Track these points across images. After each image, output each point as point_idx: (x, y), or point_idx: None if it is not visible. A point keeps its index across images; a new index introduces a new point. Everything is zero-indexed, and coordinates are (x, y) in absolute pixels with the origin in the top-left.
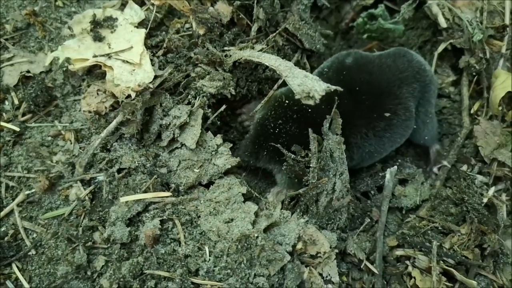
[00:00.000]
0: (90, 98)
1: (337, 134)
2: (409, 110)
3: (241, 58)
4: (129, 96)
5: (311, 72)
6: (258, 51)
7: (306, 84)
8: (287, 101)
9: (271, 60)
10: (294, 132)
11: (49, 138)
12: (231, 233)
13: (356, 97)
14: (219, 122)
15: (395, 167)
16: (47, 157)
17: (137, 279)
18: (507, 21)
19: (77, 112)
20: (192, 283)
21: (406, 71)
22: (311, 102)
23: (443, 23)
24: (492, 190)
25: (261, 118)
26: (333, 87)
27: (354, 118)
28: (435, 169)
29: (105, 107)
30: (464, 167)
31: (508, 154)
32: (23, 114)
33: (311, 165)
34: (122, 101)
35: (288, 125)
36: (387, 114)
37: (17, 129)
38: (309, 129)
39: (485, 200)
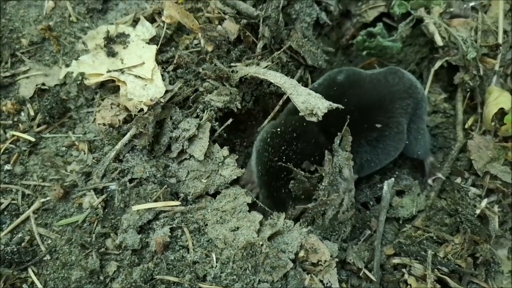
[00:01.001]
0: (104, 111)
1: (346, 151)
2: (400, 124)
3: (247, 74)
4: (141, 110)
5: None
6: (264, 67)
7: (310, 102)
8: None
9: (276, 78)
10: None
11: (63, 149)
12: (237, 241)
13: (347, 110)
14: (225, 135)
15: (392, 179)
16: (62, 166)
17: (148, 284)
18: (500, 40)
19: (90, 124)
20: None
21: (397, 85)
22: (314, 119)
23: (439, 41)
24: (484, 202)
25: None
26: (335, 105)
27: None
28: (429, 181)
29: (119, 120)
30: (458, 180)
31: (500, 167)
32: (38, 125)
33: (323, 183)
34: (135, 115)
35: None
36: (378, 125)
37: (33, 139)
38: (326, 152)
39: (478, 211)
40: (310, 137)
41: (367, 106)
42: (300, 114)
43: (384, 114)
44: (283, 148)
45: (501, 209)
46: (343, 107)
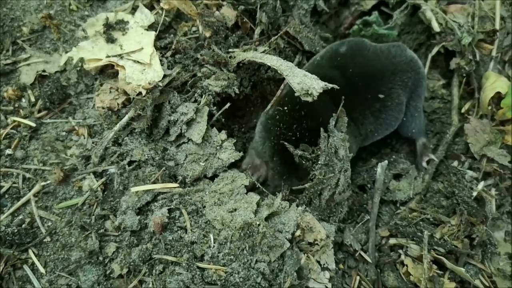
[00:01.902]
0: (103, 95)
1: (342, 132)
2: (401, 96)
3: (245, 59)
4: (140, 93)
5: None
6: (261, 52)
7: (305, 83)
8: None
9: (273, 61)
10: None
11: (64, 133)
12: (234, 221)
13: (350, 80)
14: (223, 120)
15: (386, 161)
16: (62, 150)
17: (146, 263)
18: (497, 26)
19: (90, 109)
20: (198, 267)
21: (399, 57)
22: (309, 99)
23: (436, 27)
24: (481, 185)
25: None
26: (330, 85)
27: (352, 98)
28: (423, 163)
29: (117, 104)
30: (455, 163)
31: (497, 150)
32: (39, 111)
33: (319, 162)
34: (134, 98)
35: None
36: (381, 96)
37: (33, 124)
38: (321, 129)
39: (474, 193)
40: (318, 111)
41: (370, 76)
42: (296, 94)
43: (386, 85)
44: (294, 125)
45: (499, 192)
46: (338, 87)
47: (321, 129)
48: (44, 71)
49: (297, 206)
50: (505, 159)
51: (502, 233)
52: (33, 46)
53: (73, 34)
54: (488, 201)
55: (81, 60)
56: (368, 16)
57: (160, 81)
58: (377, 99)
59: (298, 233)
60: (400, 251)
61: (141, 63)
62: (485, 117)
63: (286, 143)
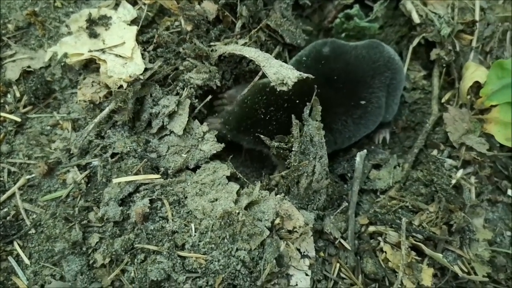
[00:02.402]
0: (85, 88)
1: (316, 120)
2: (380, 99)
3: (226, 52)
4: (121, 86)
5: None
6: (241, 45)
7: (281, 73)
8: (268, 89)
9: (251, 52)
10: (275, 116)
11: (48, 128)
12: (215, 211)
13: (335, 86)
14: (206, 112)
15: (365, 151)
16: (46, 144)
17: (128, 253)
18: (476, 17)
19: (74, 104)
20: (179, 255)
21: (378, 61)
22: (284, 88)
23: (416, 19)
24: (460, 172)
25: (246, 100)
26: (305, 75)
27: (335, 106)
28: (376, 140)
29: (99, 97)
30: (435, 152)
31: (475, 139)
32: (24, 106)
33: (293, 149)
34: (115, 91)
35: (270, 110)
36: (363, 102)
37: (19, 119)
38: (292, 116)
39: (453, 181)
40: (290, 106)
41: (353, 83)
42: (271, 84)
43: (367, 90)
44: (269, 107)
45: (478, 180)
46: (313, 77)
47: (292, 116)
48: (29, 67)
49: (276, 194)
50: (483, 147)
51: (482, 220)
52: (18, 42)
53: (57, 31)
54: (466, 188)
55: (65, 55)
56: (349, 10)
57: (141, 74)
58: (358, 105)
59: (277, 221)
60: (379, 238)
61: (122, 57)
62: (465, 106)
63: (262, 136)
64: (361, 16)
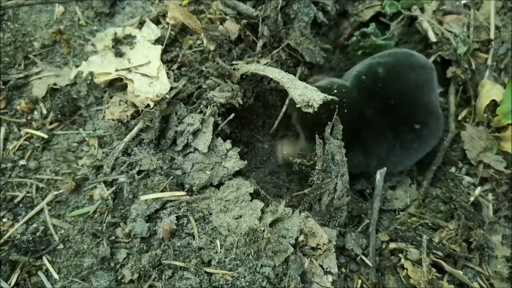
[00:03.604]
0: (113, 107)
1: (337, 139)
2: (438, 120)
3: (248, 71)
4: (148, 105)
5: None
6: (263, 65)
7: (306, 95)
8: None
9: (275, 73)
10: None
11: (75, 144)
12: (240, 228)
13: (390, 109)
14: (229, 129)
15: (385, 168)
16: (73, 161)
17: (156, 269)
18: (491, 36)
19: (99, 121)
20: (205, 272)
21: (427, 76)
22: (310, 110)
23: (432, 37)
24: (478, 190)
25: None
26: (329, 97)
27: (384, 129)
28: None
29: (127, 116)
30: (453, 169)
31: (493, 156)
32: (51, 123)
33: (316, 168)
34: (142, 110)
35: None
36: (417, 126)
37: (46, 136)
38: (316, 136)
39: (472, 199)
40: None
41: (409, 104)
42: (297, 106)
43: (424, 111)
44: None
45: (495, 197)
46: (337, 99)
47: (316, 136)
48: (55, 84)
49: (299, 212)
50: (501, 164)
51: (499, 237)
52: (44, 60)
53: (82, 48)
54: (485, 206)
55: (91, 74)
56: (366, 28)
57: (167, 93)
58: (412, 129)
59: (301, 238)
60: (400, 255)
61: (148, 76)
62: (481, 124)
63: (285, 153)
64: (377, 34)
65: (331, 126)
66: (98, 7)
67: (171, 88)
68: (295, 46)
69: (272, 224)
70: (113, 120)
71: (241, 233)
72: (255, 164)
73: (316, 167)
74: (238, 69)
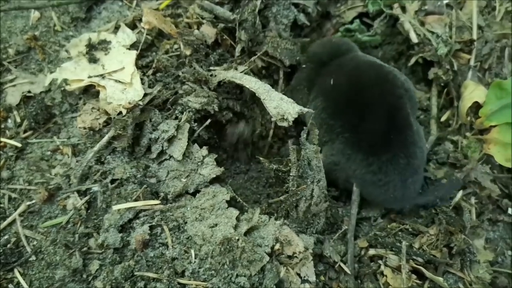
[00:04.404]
0: (85, 115)
1: (314, 144)
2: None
3: (225, 78)
4: (120, 113)
5: None
6: (241, 72)
7: (281, 107)
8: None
9: (251, 83)
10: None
11: (49, 153)
12: (215, 236)
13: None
14: (207, 136)
15: None
16: (47, 170)
17: (128, 280)
18: (474, 36)
19: (74, 128)
20: (179, 283)
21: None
22: (285, 124)
23: (414, 38)
24: (460, 194)
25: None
26: (305, 110)
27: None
28: None
29: (99, 124)
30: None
31: (482, 169)
32: (25, 131)
33: (291, 174)
34: (114, 118)
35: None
36: None
37: (19, 145)
38: (289, 141)
39: (453, 203)
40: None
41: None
42: (272, 119)
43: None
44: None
45: (478, 200)
46: (312, 111)
47: (289, 141)
48: (29, 91)
49: (276, 219)
50: (487, 177)
51: (482, 241)
52: (18, 67)
53: (57, 55)
54: (466, 209)
55: (65, 81)
56: (350, 25)
57: (140, 100)
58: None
59: (277, 246)
60: (380, 261)
61: (122, 83)
62: (464, 126)
63: (262, 158)
64: (362, 30)
65: (306, 131)
66: (74, 12)
67: (145, 94)
68: (273, 52)
69: (247, 233)
70: (85, 128)
71: (216, 242)
72: (235, 170)
73: (291, 173)
74: (215, 76)
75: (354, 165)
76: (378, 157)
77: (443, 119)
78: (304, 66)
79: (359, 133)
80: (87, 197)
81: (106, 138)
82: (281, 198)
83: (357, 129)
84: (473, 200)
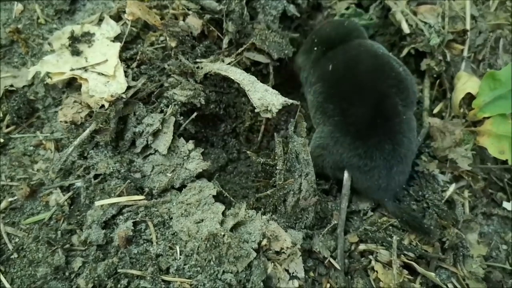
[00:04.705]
0: (66, 109)
1: (302, 137)
2: None
3: (211, 71)
4: (103, 106)
5: None
6: (227, 64)
7: (266, 98)
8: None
9: (236, 74)
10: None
11: (31, 148)
12: (200, 232)
13: None
14: (194, 130)
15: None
16: (29, 166)
17: (112, 278)
18: (467, 26)
19: (57, 123)
20: (163, 280)
21: None
22: (269, 115)
23: (406, 29)
24: (453, 187)
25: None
26: (290, 101)
27: None
28: None
29: (81, 117)
30: (427, 166)
31: (461, 152)
32: (7, 126)
33: (277, 167)
34: (96, 111)
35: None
36: None
37: (1, 140)
38: (275, 134)
39: (446, 196)
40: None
41: None
42: (256, 110)
43: None
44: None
45: (472, 193)
46: (298, 103)
47: (275, 134)
48: (12, 85)
49: (263, 214)
50: (466, 161)
51: (476, 235)
52: (1, 61)
53: (41, 48)
54: (459, 203)
55: (46, 74)
56: (346, 10)
57: (123, 93)
58: None
59: (264, 242)
60: (370, 256)
61: (105, 75)
62: (457, 118)
63: (249, 152)
64: (359, 14)
65: (294, 123)
66: (58, 4)
67: (129, 87)
68: (260, 45)
69: (234, 228)
70: (66, 122)
71: (201, 238)
72: (223, 164)
73: (277, 167)
74: (202, 68)
75: (342, 149)
76: (364, 142)
77: (435, 111)
78: (315, 48)
79: (348, 116)
80: (70, 193)
81: (87, 132)
82: (268, 192)
83: (346, 113)
84: (466, 193)
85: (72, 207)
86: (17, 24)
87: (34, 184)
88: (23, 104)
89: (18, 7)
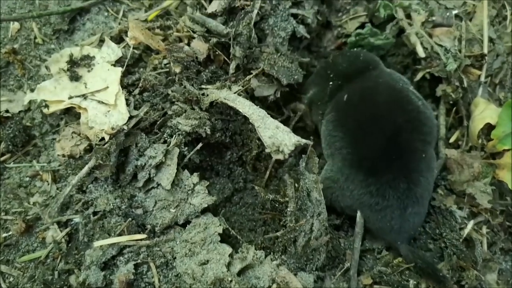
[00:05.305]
0: (64, 141)
1: (313, 173)
2: None
3: (218, 99)
4: (103, 139)
5: None
6: (234, 93)
7: (277, 137)
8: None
9: (245, 107)
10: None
11: (27, 179)
12: (205, 276)
13: None
14: (198, 159)
15: None
16: (25, 198)
17: None
18: (485, 49)
19: (55, 151)
20: None
21: None
22: (280, 157)
23: (421, 52)
24: (471, 224)
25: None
26: (303, 141)
27: None
28: None
29: (80, 150)
30: (444, 201)
31: (480, 187)
32: (2, 154)
33: (288, 209)
34: (96, 145)
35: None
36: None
37: None
38: (286, 175)
39: (464, 234)
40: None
41: None
42: (266, 150)
43: None
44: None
45: (490, 229)
46: (311, 143)
47: (286, 175)
48: (7, 111)
49: (272, 253)
50: (486, 197)
51: (495, 275)
52: None
53: (38, 70)
54: (478, 242)
55: (43, 102)
56: (361, 29)
57: (125, 124)
58: None
59: (274, 286)
60: None
61: (105, 104)
62: (475, 149)
63: (257, 187)
64: (375, 33)
65: (305, 159)
66: (57, 23)
67: (131, 117)
68: (269, 70)
69: (241, 272)
70: (64, 156)
71: (207, 282)
72: (228, 194)
73: (288, 209)
74: (207, 95)
75: (352, 185)
76: (377, 178)
77: (452, 139)
78: (331, 83)
79: (360, 149)
80: (67, 229)
81: (86, 169)
82: (278, 234)
83: (358, 145)
84: (484, 229)
85: (70, 244)
86: (13, 44)
87: (30, 219)
88: (18, 132)
89: (14, 25)
